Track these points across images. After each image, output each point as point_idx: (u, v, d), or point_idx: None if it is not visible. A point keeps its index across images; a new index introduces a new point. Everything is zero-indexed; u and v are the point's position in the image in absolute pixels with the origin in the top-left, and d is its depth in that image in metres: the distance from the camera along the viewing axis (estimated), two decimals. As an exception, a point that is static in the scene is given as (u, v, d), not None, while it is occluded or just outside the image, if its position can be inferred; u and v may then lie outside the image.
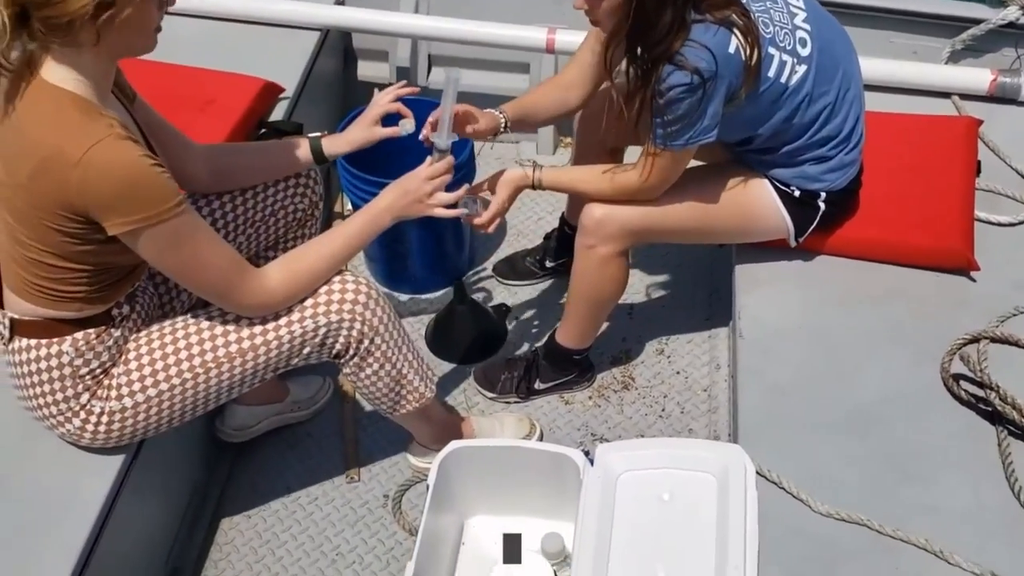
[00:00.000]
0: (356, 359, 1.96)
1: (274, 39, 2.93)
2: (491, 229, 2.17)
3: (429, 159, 2.01)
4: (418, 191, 1.96)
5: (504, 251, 2.89)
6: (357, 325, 1.91)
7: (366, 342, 1.93)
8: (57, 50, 1.58)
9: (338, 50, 3.17)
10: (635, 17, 1.88)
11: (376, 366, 1.98)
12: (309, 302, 1.88)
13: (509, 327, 2.69)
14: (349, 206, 2.86)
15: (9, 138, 1.65)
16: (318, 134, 2.16)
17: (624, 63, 1.97)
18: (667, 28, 1.87)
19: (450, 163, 2.00)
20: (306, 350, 1.91)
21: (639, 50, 1.92)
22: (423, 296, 2.76)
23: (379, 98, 2.15)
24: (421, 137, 2.09)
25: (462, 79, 2.09)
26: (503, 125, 2.23)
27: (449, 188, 2.04)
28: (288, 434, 2.44)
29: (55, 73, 1.61)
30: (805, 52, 2.03)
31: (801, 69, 2.02)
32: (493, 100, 3.01)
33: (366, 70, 3.24)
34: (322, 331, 1.89)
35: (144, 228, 1.62)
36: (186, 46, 2.79)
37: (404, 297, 2.76)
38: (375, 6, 3.03)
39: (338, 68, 3.20)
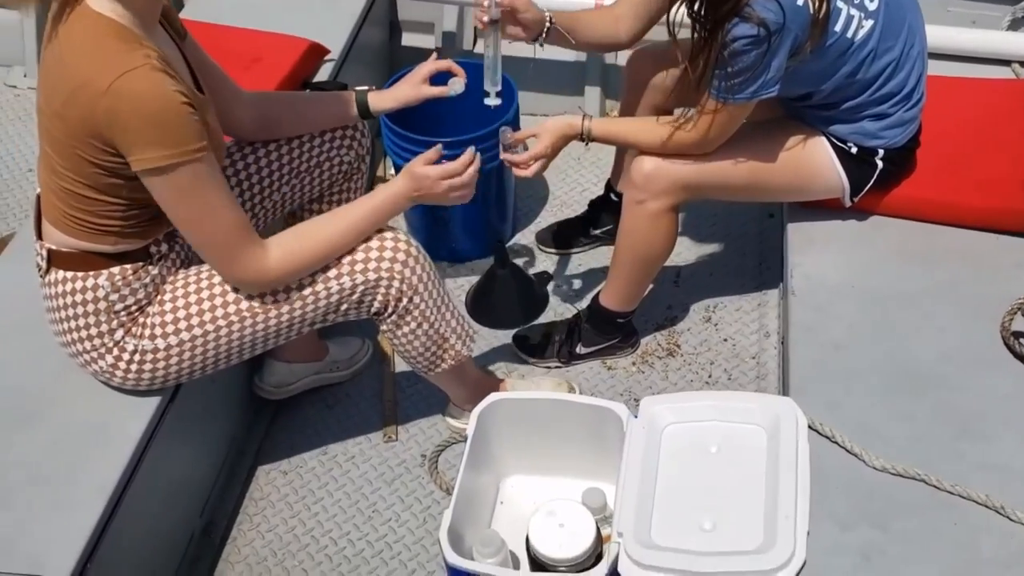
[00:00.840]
0: (394, 317, 1.92)
1: (320, 4, 2.92)
2: (531, 172, 2.11)
3: (439, 157, 1.92)
4: (432, 188, 1.87)
5: (547, 219, 2.85)
6: (396, 283, 1.87)
7: (404, 300, 1.90)
8: None
9: (383, 20, 3.16)
10: None
11: (414, 324, 1.94)
12: (347, 259, 1.84)
13: (551, 294, 2.64)
14: (392, 170, 2.84)
15: (50, 65, 1.64)
16: (365, 88, 2.13)
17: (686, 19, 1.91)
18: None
19: (465, 162, 1.91)
20: (344, 306, 1.87)
21: (703, 9, 1.87)
22: (465, 263, 2.73)
23: (429, 60, 2.10)
24: (475, 15, 2.08)
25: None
26: (547, 28, 2.16)
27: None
28: (327, 394, 2.41)
29: (99, 1, 1.59)
30: (873, 6, 1.97)
31: (868, 24, 1.96)
32: (539, 66, 3.00)
33: (411, 40, 3.22)
34: (360, 288, 1.85)
35: (162, 167, 1.59)
36: (233, 9, 2.80)
37: (445, 264, 2.73)
38: None
39: (383, 37, 3.19)
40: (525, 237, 2.81)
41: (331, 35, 2.79)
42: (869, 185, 2.15)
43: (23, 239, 2.17)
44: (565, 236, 2.76)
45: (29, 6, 1.62)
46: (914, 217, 2.20)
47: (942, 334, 1.99)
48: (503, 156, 2.12)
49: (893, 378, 1.92)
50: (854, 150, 2.11)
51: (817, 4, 1.86)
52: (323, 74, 2.71)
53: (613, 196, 2.65)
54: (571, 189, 2.94)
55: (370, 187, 2.74)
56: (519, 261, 2.71)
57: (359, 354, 2.45)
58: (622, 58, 3.01)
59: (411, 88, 2.09)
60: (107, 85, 1.54)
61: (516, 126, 2.55)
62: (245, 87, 2.47)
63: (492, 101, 2.14)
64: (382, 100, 2.11)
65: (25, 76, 3.38)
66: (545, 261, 2.74)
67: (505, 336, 2.53)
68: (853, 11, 1.94)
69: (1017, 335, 1.94)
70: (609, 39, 2.29)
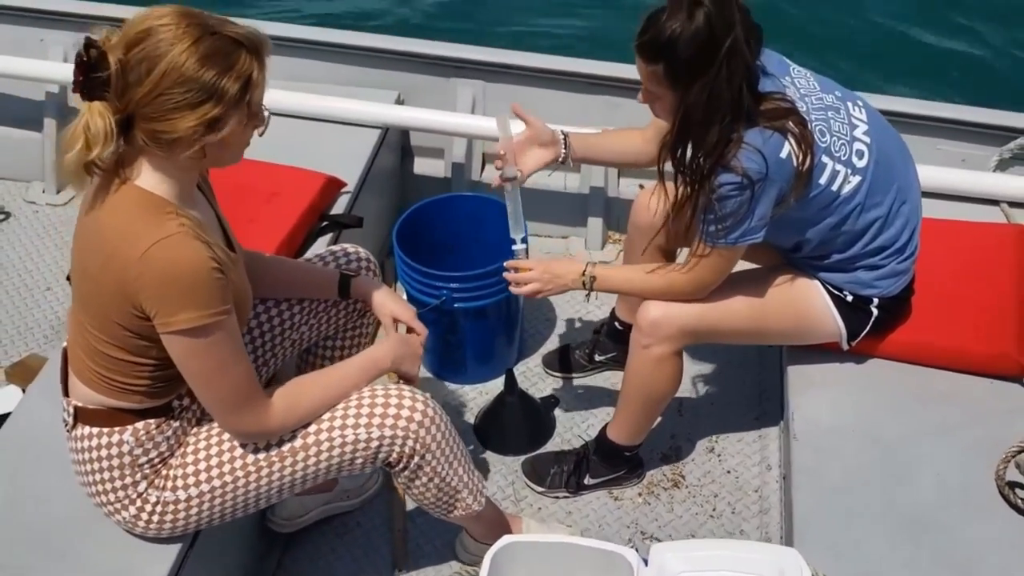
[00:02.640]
0: (407, 472, 1.98)
1: (337, 135, 3.05)
2: (523, 291, 2.28)
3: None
4: (417, 349, 2.09)
5: (554, 343, 2.93)
6: (410, 443, 1.93)
7: (417, 458, 1.95)
8: (153, 155, 1.66)
9: (396, 147, 3.28)
10: (679, 132, 1.95)
11: (425, 479, 2.00)
12: (366, 412, 1.90)
13: (557, 419, 2.70)
14: (404, 296, 2.92)
15: (88, 233, 1.72)
16: (352, 272, 2.20)
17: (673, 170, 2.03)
18: (713, 145, 1.93)
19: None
20: (359, 460, 1.93)
21: (690, 161, 1.98)
22: (473, 386, 2.80)
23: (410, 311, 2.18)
24: (494, 184, 2.29)
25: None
26: (563, 143, 2.32)
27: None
28: (338, 523, 2.45)
29: (143, 175, 1.68)
30: (861, 164, 2.08)
31: (855, 180, 2.07)
32: (545, 195, 3.13)
33: (423, 166, 3.35)
34: (374, 444, 1.91)
35: (186, 329, 1.66)
36: (255, 141, 2.90)
37: (454, 386, 2.80)
38: (433, 106, 3.15)
39: (396, 163, 3.31)
40: (532, 360, 2.89)
41: (347, 165, 2.90)
42: (865, 331, 2.24)
43: (54, 370, 2.22)
44: (571, 361, 2.83)
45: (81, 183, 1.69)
46: (911, 360, 2.29)
47: (940, 479, 2.06)
48: (512, 288, 2.30)
49: (894, 524, 1.98)
50: (849, 298, 2.21)
51: (802, 158, 1.96)
52: (340, 203, 2.82)
53: (617, 324, 2.74)
54: (577, 313, 3.02)
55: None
56: (526, 384, 2.78)
57: (370, 482, 2.50)
58: (624, 191, 3.15)
59: (383, 309, 2.16)
60: (141, 252, 1.62)
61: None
62: (264, 221, 2.59)
63: (518, 247, 2.32)
64: (365, 289, 2.18)
65: (44, 192, 3.48)
66: (551, 384, 2.82)
67: (513, 462, 2.59)
68: (839, 167, 2.05)
69: (1011, 485, 2.01)
70: (630, 157, 2.41)
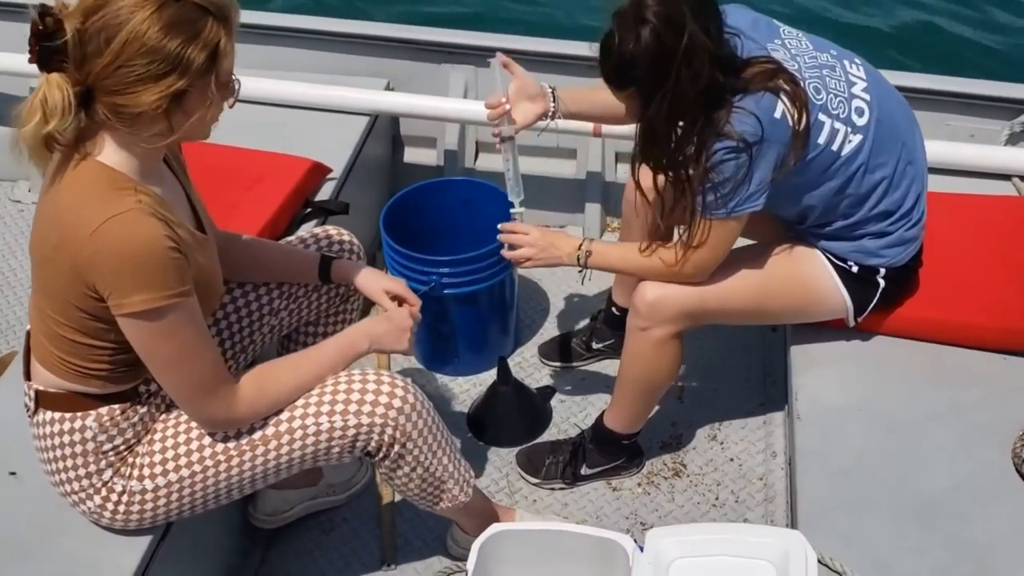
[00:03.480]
0: (388, 461, 1.89)
1: (324, 123, 2.97)
2: (515, 255, 2.22)
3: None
4: (402, 323, 1.94)
5: (549, 332, 2.83)
6: (389, 430, 1.83)
7: (397, 447, 1.86)
8: (116, 129, 1.57)
9: (386, 136, 3.20)
10: (645, 143, 1.91)
11: (408, 469, 1.90)
12: (342, 399, 1.80)
13: (554, 409, 2.61)
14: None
15: (45, 211, 1.64)
16: (333, 255, 2.11)
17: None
18: (687, 138, 1.87)
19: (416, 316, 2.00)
20: (335, 449, 1.83)
21: (664, 163, 1.92)
22: (467, 377, 2.71)
23: (401, 283, 2.09)
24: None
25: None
26: (552, 107, 2.23)
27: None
28: (324, 519, 2.36)
29: (104, 150, 1.59)
30: (861, 121, 1.98)
31: (856, 138, 1.97)
32: (542, 182, 3.04)
33: (414, 156, 3.26)
34: (351, 432, 1.81)
35: (140, 311, 1.57)
36: (238, 129, 2.81)
37: (447, 378, 2.71)
38: (424, 90, 3.07)
39: (386, 152, 3.22)
40: (528, 350, 2.79)
41: (334, 153, 2.82)
42: (872, 304, 2.14)
43: (17, 369, 2.15)
44: (567, 350, 2.74)
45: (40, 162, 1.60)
46: (919, 337, 2.19)
47: (952, 461, 1.96)
48: (504, 251, 2.24)
49: (904, 509, 1.88)
50: (855, 269, 2.11)
51: (796, 116, 1.87)
52: (326, 191, 2.73)
53: (615, 310, 2.64)
54: (573, 300, 2.93)
55: (366, 308, 2.75)
56: (521, 374, 2.69)
57: (356, 477, 2.40)
58: (622, 176, 3.06)
59: (374, 288, 2.06)
60: (93, 229, 1.53)
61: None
62: (247, 207, 2.51)
63: (517, 210, 2.25)
64: (346, 272, 2.08)
65: (29, 191, 3.41)
66: (548, 374, 2.72)
67: (508, 454, 2.49)
68: (838, 125, 1.96)
69: (1030, 462, 1.90)
70: (622, 110, 2.28)
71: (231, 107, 1.66)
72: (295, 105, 3.01)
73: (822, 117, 1.93)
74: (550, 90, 2.27)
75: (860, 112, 1.98)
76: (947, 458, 1.96)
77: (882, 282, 2.11)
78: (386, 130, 3.18)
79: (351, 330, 1.96)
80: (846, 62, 2.04)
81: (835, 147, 1.96)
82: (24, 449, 1.88)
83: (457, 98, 3.09)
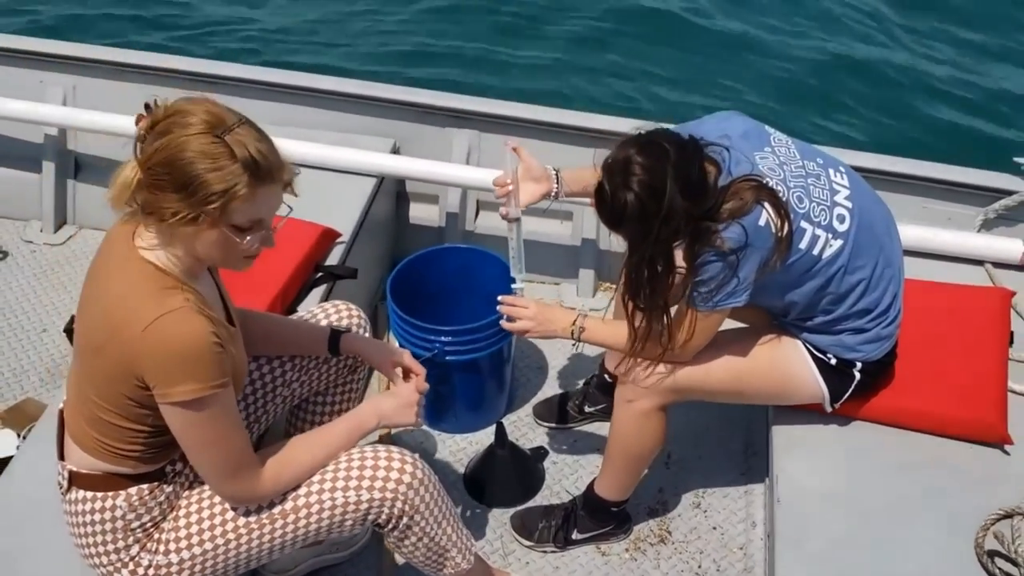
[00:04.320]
0: (396, 532, 2.01)
1: (334, 183, 3.09)
2: (514, 327, 2.36)
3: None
4: (409, 397, 2.07)
5: (544, 392, 2.96)
6: (399, 504, 1.96)
7: (406, 519, 1.98)
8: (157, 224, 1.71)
9: (392, 193, 3.33)
10: (628, 281, 2.07)
11: (415, 539, 2.03)
12: (355, 474, 1.94)
13: (547, 471, 2.74)
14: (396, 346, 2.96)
15: (94, 299, 1.77)
16: (344, 328, 2.24)
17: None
18: (667, 276, 2.04)
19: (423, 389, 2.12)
20: (348, 521, 1.95)
21: (644, 308, 2.09)
22: (464, 435, 2.83)
23: (408, 355, 2.22)
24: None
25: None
26: (555, 188, 2.41)
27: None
28: (327, 575, 2.47)
29: (151, 247, 1.73)
30: (842, 228, 2.12)
31: (836, 243, 2.12)
32: (539, 246, 3.17)
33: (418, 212, 3.39)
34: (364, 506, 1.94)
35: (186, 401, 1.70)
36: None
37: (445, 436, 2.83)
38: (428, 154, 3.20)
39: (391, 210, 3.35)
40: (523, 410, 2.92)
41: (343, 213, 2.94)
42: (848, 394, 2.28)
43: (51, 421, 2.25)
44: (561, 411, 2.87)
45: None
46: (894, 424, 2.32)
47: (922, 548, 2.09)
48: (502, 320, 2.37)
49: (875, 594, 2.01)
50: (833, 361, 2.25)
51: (779, 223, 2.02)
52: (335, 253, 2.85)
53: (607, 377, 2.78)
54: (568, 361, 3.06)
55: (372, 373, 2.86)
56: (516, 433, 2.82)
57: (359, 535, 2.52)
58: (616, 243, 3.20)
59: (382, 360, 2.20)
60: (144, 327, 1.66)
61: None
62: (262, 275, 2.60)
63: (518, 286, 2.41)
64: (355, 345, 2.20)
65: (42, 231, 3.51)
66: (541, 434, 2.85)
67: (503, 515, 2.61)
68: (819, 232, 2.10)
69: (991, 554, 2.04)
70: None
71: (257, 250, 1.77)
72: (306, 164, 3.13)
73: (804, 224, 2.08)
74: (554, 172, 2.42)
75: (841, 219, 2.12)
76: (917, 545, 2.09)
77: (858, 375, 2.25)
78: (392, 188, 3.31)
79: (361, 409, 2.08)
80: (831, 170, 2.18)
81: (816, 252, 2.10)
82: (55, 514, 1.98)
83: (460, 162, 3.22)
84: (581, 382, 2.92)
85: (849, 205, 2.15)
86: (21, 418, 2.74)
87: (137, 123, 1.70)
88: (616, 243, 3.19)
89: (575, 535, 2.52)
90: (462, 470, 2.74)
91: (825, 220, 2.11)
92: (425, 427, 2.86)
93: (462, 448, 2.81)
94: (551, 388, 2.99)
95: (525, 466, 2.72)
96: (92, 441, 1.83)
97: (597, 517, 2.51)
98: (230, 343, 1.80)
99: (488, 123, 3.23)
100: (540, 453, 2.79)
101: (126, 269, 1.73)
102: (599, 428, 2.81)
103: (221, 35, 5.76)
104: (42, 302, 3.27)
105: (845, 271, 2.14)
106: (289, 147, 3.08)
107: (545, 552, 2.53)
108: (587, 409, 2.85)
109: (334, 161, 3.13)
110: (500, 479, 2.68)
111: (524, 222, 2.38)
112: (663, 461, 2.73)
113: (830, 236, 2.11)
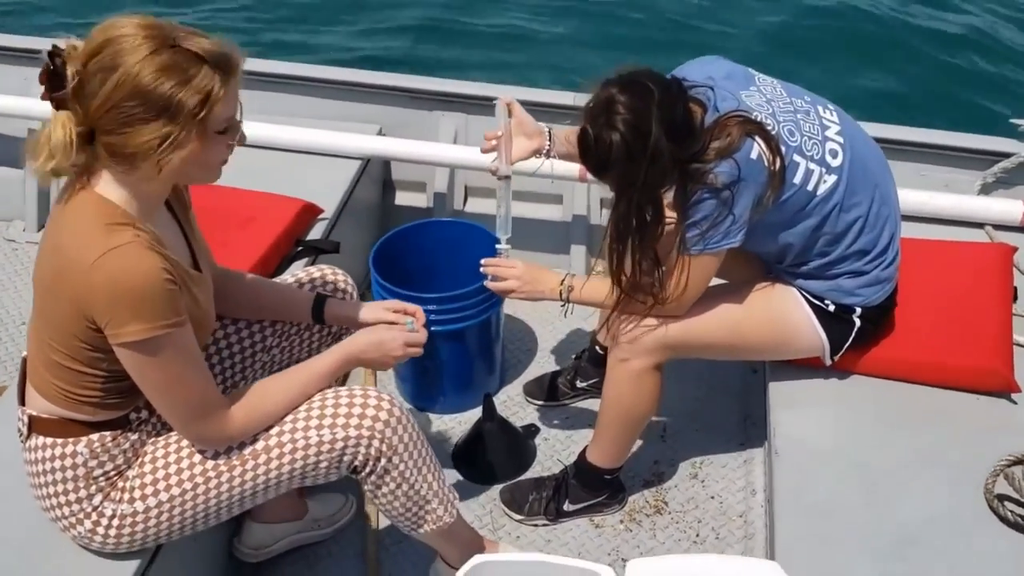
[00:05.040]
0: (373, 476, 1.92)
1: (318, 166, 3.04)
2: (500, 287, 2.29)
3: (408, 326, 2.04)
4: (393, 350, 1.96)
5: (535, 371, 2.88)
6: (375, 443, 1.87)
7: (383, 460, 1.89)
8: (114, 168, 1.62)
9: (378, 179, 3.27)
10: (615, 239, 2.02)
11: (393, 485, 1.93)
12: (329, 412, 1.85)
13: (538, 447, 2.64)
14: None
15: (47, 242, 1.69)
16: (328, 294, 2.16)
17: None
18: (652, 227, 1.98)
19: (423, 338, 2.02)
20: (323, 464, 1.86)
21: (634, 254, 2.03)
22: (452, 415, 2.74)
23: (395, 301, 2.16)
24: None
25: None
26: (546, 145, 2.32)
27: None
28: (308, 553, 2.37)
29: (106, 186, 1.65)
30: (836, 163, 2.06)
31: (831, 179, 2.05)
32: (529, 224, 3.10)
33: (404, 199, 3.33)
34: (339, 445, 1.85)
35: (137, 341, 1.61)
36: (234, 171, 2.88)
37: (433, 415, 2.74)
38: (415, 137, 3.15)
39: (377, 195, 3.29)
40: (513, 388, 2.84)
41: (327, 195, 2.88)
42: (848, 343, 2.19)
43: (11, 397, 2.18)
44: (552, 388, 2.78)
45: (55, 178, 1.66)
46: (895, 377, 2.24)
47: (927, 497, 1.99)
48: (489, 283, 2.31)
49: (880, 544, 1.91)
50: (832, 308, 2.16)
51: (771, 156, 1.95)
52: (317, 231, 2.79)
53: (598, 349, 2.69)
54: (558, 339, 2.98)
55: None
56: (506, 412, 2.72)
57: (341, 511, 2.42)
58: (607, 218, 3.12)
59: (372, 312, 2.11)
60: (91, 261, 1.58)
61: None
62: (239, 246, 2.56)
63: (503, 247, 2.32)
64: (340, 310, 2.12)
65: (24, 231, 3.46)
66: (532, 413, 2.76)
67: (493, 491, 2.51)
68: (813, 166, 2.03)
69: (1001, 498, 1.94)
70: None
71: (231, 151, 1.70)
72: (290, 149, 3.09)
73: (797, 158, 2.01)
74: (547, 129, 2.35)
75: (834, 154, 2.06)
76: (921, 495, 2.00)
77: (858, 321, 2.17)
78: (378, 174, 3.25)
79: (341, 349, 1.95)
80: (819, 107, 2.12)
81: (810, 187, 2.03)
82: (15, 476, 1.91)
83: (447, 143, 3.17)
84: (572, 358, 2.83)
85: (841, 140, 2.09)
86: (-4, 404, 2.66)
87: (45, 78, 1.57)
88: (606, 218, 3.13)
89: (567, 506, 2.42)
90: (450, 450, 2.64)
91: (818, 154, 2.04)
92: (411, 407, 2.77)
93: (451, 428, 2.72)
94: (541, 367, 2.90)
95: (515, 441, 2.62)
96: (50, 387, 1.75)
97: (590, 486, 2.40)
98: (191, 285, 1.72)
99: (475, 106, 3.19)
100: (531, 430, 2.69)
101: (77, 205, 1.64)
102: (591, 404, 2.71)
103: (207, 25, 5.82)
104: (23, 297, 3.20)
105: (841, 208, 2.07)
106: (272, 132, 3.10)
107: (536, 525, 2.42)
108: (579, 384, 2.76)
109: (319, 145, 3.09)
110: (489, 454, 2.58)
111: (513, 205, 2.32)
112: (659, 434, 2.64)
113: (823, 171, 2.04)
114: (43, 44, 3.41)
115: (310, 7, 6.04)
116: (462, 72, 3.57)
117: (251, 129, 3.03)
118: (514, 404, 2.79)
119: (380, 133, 3.22)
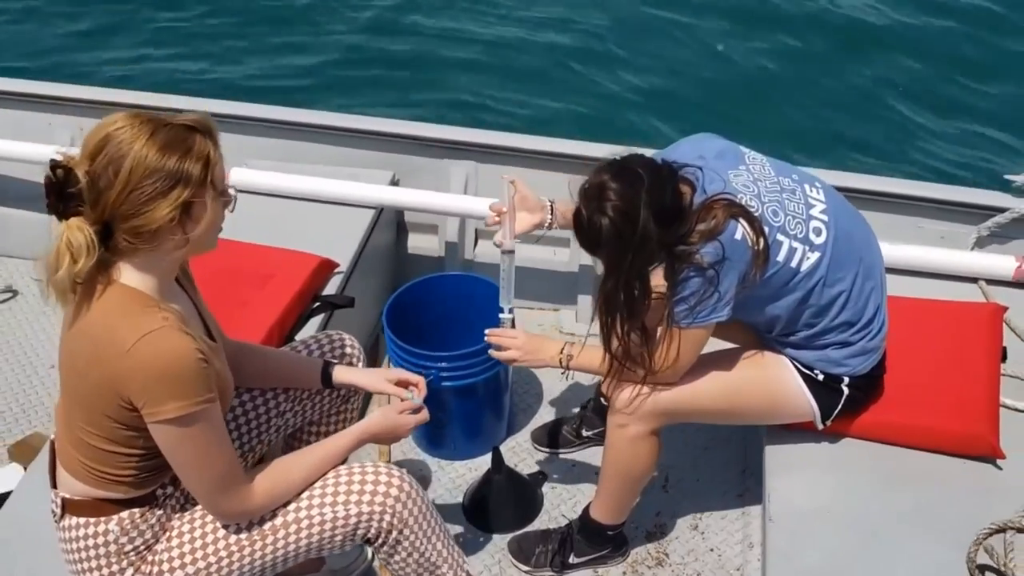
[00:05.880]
0: (386, 547, 2.03)
1: (333, 215, 3.15)
2: (503, 356, 2.38)
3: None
4: (403, 429, 2.14)
5: (542, 418, 2.98)
6: (387, 517, 1.98)
7: (395, 532, 2.01)
8: (135, 255, 1.74)
9: (391, 224, 3.38)
10: (604, 305, 2.10)
11: (404, 554, 2.05)
12: (343, 490, 1.97)
13: (545, 496, 2.75)
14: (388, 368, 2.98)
15: (75, 328, 1.79)
16: (335, 361, 2.28)
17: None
18: (640, 301, 2.08)
19: (426, 417, 2.17)
20: (339, 537, 1.98)
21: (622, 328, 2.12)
22: (463, 461, 2.85)
23: (400, 370, 2.30)
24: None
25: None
26: (548, 219, 2.43)
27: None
28: (326, 602, 2.49)
29: (127, 276, 1.76)
30: (819, 240, 2.15)
31: (814, 255, 2.14)
32: (535, 273, 3.20)
33: (417, 242, 3.44)
34: (352, 520, 1.97)
35: (174, 418, 1.73)
36: (252, 221, 2.98)
37: (444, 462, 2.85)
38: (427, 185, 3.25)
39: (390, 241, 3.40)
40: (522, 435, 2.94)
41: (341, 245, 2.98)
42: (838, 410, 2.29)
43: (41, 472, 2.27)
44: (558, 437, 2.89)
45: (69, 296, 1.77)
46: (886, 440, 2.32)
47: (914, 563, 2.08)
48: (491, 350, 2.40)
49: (867, 609, 2.01)
50: (820, 377, 2.26)
51: (755, 237, 2.05)
52: (332, 283, 2.89)
53: (603, 400, 2.79)
54: (565, 387, 3.07)
55: (367, 403, 2.89)
56: (514, 459, 2.83)
57: (356, 562, 2.53)
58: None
59: (375, 383, 2.25)
60: (127, 348, 1.69)
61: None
62: (260, 305, 2.66)
63: (506, 316, 2.44)
64: (346, 376, 2.25)
65: (52, 270, 3.57)
66: (539, 460, 2.86)
67: (500, 540, 2.62)
68: (796, 244, 2.13)
69: (983, 568, 2.03)
70: None
71: (231, 211, 1.85)
72: (306, 198, 3.19)
73: (780, 237, 2.11)
74: (549, 203, 2.45)
75: (818, 232, 2.15)
76: (908, 560, 2.09)
77: (846, 389, 2.26)
78: (391, 220, 3.36)
79: (357, 430, 2.08)
80: (806, 186, 2.21)
81: (794, 264, 2.13)
82: (53, 541, 2.02)
83: (458, 192, 3.27)
84: (579, 407, 2.94)
85: (825, 219, 2.17)
86: (29, 452, 2.78)
87: (51, 187, 1.67)
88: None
89: (572, 559, 2.52)
90: (460, 497, 2.75)
91: (801, 233, 2.13)
92: (424, 454, 2.88)
93: (462, 475, 2.82)
94: (549, 414, 3.00)
95: (522, 491, 2.73)
96: (82, 468, 1.86)
97: (593, 541, 2.51)
98: (213, 357, 1.83)
99: (485, 154, 3.29)
100: (538, 478, 2.80)
101: (104, 300, 1.75)
102: (596, 453, 2.80)
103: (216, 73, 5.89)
104: (50, 338, 3.32)
105: (824, 283, 2.16)
106: (287, 182, 3.20)
107: (543, 577, 2.54)
108: (584, 433, 2.86)
109: (333, 194, 3.19)
110: (497, 504, 2.69)
111: (521, 250, 2.41)
112: (660, 484, 2.74)
113: (807, 248, 2.14)
114: (65, 90, 3.53)
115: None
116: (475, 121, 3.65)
117: (268, 178, 3.20)
118: (522, 450, 2.89)
119: (393, 179, 3.32)
